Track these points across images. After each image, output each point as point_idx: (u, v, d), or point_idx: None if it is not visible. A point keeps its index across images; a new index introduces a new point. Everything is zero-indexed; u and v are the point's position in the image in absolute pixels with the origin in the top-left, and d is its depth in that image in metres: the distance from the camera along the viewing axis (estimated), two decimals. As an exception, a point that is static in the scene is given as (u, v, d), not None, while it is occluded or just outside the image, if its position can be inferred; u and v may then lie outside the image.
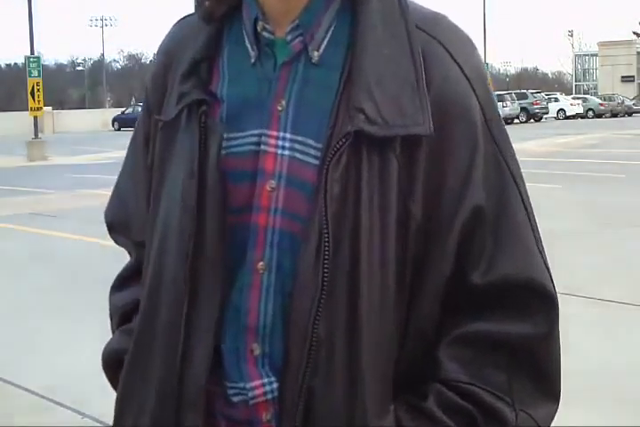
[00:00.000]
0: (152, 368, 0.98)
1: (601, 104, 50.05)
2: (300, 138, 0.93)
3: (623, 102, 51.57)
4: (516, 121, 43.10)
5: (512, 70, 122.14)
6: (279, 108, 0.94)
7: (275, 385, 0.92)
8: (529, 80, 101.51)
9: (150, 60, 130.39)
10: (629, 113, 50.57)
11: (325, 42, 0.95)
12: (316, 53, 0.95)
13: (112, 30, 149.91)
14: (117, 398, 1.03)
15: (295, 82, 0.95)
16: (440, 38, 0.95)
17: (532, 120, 44.41)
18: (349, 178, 0.89)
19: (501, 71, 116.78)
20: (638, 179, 13.53)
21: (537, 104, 44.97)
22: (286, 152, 0.93)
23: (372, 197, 0.89)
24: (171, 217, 0.97)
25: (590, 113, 48.89)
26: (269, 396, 0.92)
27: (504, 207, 0.95)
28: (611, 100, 51.06)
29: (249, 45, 0.98)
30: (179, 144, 0.98)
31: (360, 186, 0.89)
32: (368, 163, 0.89)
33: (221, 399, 0.96)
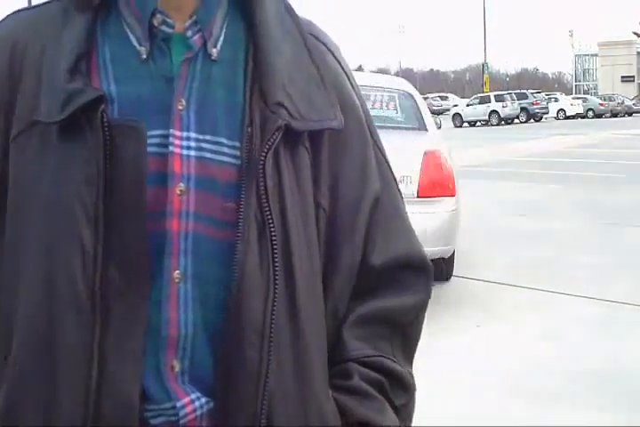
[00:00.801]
0: (55, 406, 0.86)
1: (601, 104, 50.06)
2: (208, 137, 0.90)
3: (623, 102, 51.57)
4: (515, 121, 43.11)
5: (512, 70, 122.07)
6: (180, 107, 0.90)
7: (203, 400, 0.89)
8: (529, 80, 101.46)
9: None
10: (629, 113, 50.56)
11: (221, 39, 0.94)
12: (214, 50, 0.93)
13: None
14: None
15: (195, 79, 0.92)
16: (324, 42, 1.02)
17: (531, 120, 44.40)
18: (276, 173, 0.90)
19: (501, 71, 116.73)
20: (638, 179, 13.52)
21: (537, 104, 44.96)
22: (192, 153, 0.89)
23: (293, 190, 0.91)
24: (59, 230, 0.86)
25: (590, 113, 48.89)
26: (198, 412, 0.89)
27: (390, 194, 1.04)
28: (611, 100, 51.06)
29: (135, 40, 0.92)
30: (64, 150, 0.87)
31: (283, 180, 0.90)
32: (286, 157, 0.91)
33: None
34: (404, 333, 1.03)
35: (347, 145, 0.99)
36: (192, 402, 0.89)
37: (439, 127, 6.84)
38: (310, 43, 0.99)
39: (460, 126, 41.44)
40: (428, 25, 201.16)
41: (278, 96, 0.91)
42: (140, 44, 0.91)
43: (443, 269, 6.27)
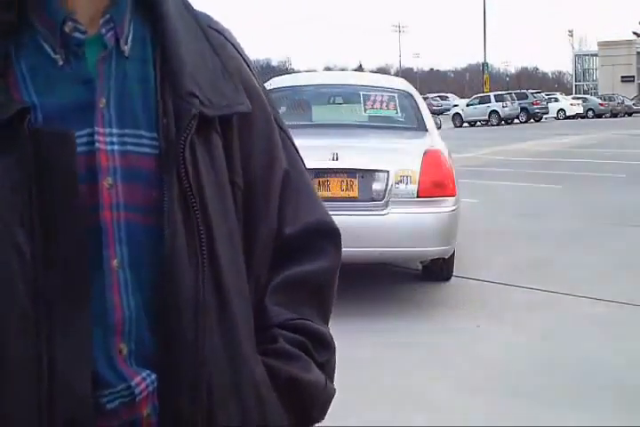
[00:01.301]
0: (7, 417, 0.88)
1: (601, 104, 50.06)
2: (128, 131, 0.96)
3: (623, 102, 51.57)
4: (515, 121, 43.12)
5: (512, 70, 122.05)
6: (101, 105, 0.95)
7: (153, 377, 0.95)
8: (529, 80, 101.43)
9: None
10: (629, 113, 50.56)
11: (130, 36, 1.00)
12: (126, 47, 0.98)
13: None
14: None
15: (112, 77, 0.97)
16: (222, 33, 1.09)
17: (532, 120, 44.40)
18: (193, 158, 0.97)
19: (501, 71, 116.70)
20: (638, 179, 13.52)
21: (537, 104, 44.96)
22: (116, 147, 0.95)
23: (209, 172, 0.98)
24: None
25: (590, 113, 48.89)
26: (150, 389, 0.95)
27: (297, 171, 1.13)
28: (611, 100, 51.06)
29: (49, 49, 0.96)
30: None
31: (199, 165, 0.97)
32: (200, 142, 0.98)
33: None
34: (320, 295, 1.15)
35: (253, 127, 1.07)
36: (143, 380, 0.94)
37: (439, 127, 6.83)
38: (210, 35, 1.06)
39: (460, 126, 41.44)
40: (428, 25, 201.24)
41: (189, 86, 0.98)
42: (55, 52, 0.95)
43: (443, 269, 6.27)
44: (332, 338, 1.14)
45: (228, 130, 1.03)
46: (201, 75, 1.00)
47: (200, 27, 1.05)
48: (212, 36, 1.06)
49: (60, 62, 0.95)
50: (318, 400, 1.14)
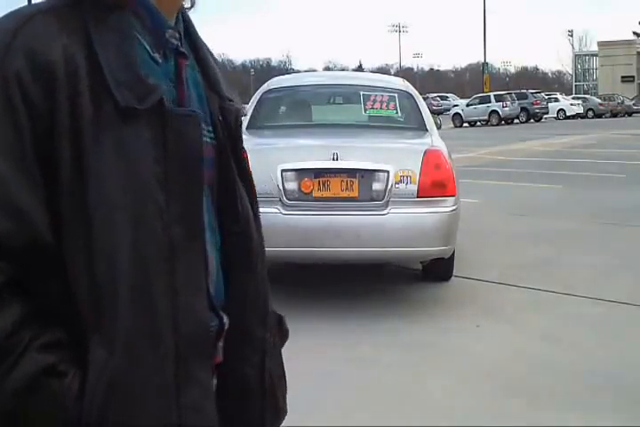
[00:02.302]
0: (159, 334, 1.08)
1: (601, 104, 50.04)
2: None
3: (623, 102, 51.55)
4: (515, 121, 43.09)
5: (512, 70, 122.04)
6: (186, 102, 1.17)
7: (226, 319, 1.21)
8: (529, 80, 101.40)
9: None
10: (629, 113, 50.54)
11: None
12: (188, 58, 1.21)
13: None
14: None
15: (189, 80, 1.19)
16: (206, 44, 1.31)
17: (531, 120, 44.38)
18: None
19: (501, 71, 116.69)
20: (638, 179, 13.52)
21: (537, 104, 44.93)
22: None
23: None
24: (141, 197, 1.07)
25: (590, 113, 48.87)
26: (226, 327, 1.21)
27: None
28: (611, 100, 51.04)
29: (149, 48, 1.13)
30: (134, 134, 1.07)
31: (246, 155, 1.28)
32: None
33: None
34: None
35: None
36: (225, 318, 1.20)
37: (439, 127, 6.82)
38: (208, 47, 1.29)
39: (460, 126, 41.44)
40: (428, 25, 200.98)
41: (226, 92, 1.24)
42: (154, 51, 1.14)
43: (443, 269, 6.27)
44: None
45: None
46: (223, 83, 1.25)
47: (204, 44, 1.27)
48: (212, 52, 1.28)
49: (159, 60, 1.14)
50: (287, 335, 1.43)
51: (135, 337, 1.05)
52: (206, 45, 1.27)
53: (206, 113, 1.20)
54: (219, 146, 1.21)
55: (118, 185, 1.05)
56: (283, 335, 1.39)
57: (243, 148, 1.27)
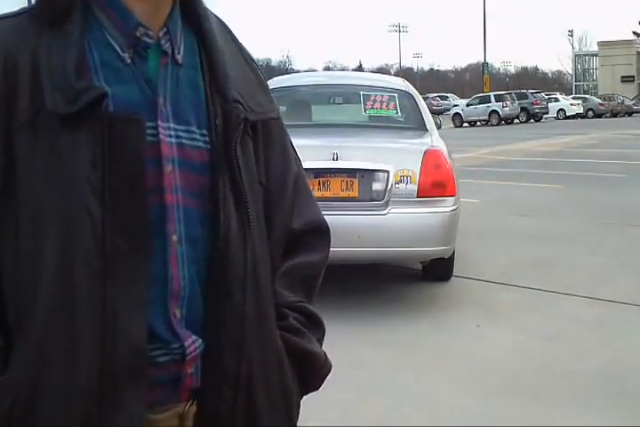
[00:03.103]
0: (77, 349, 1.02)
1: (601, 104, 50.03)
2: (181, 127, 1.11)
3: (623, 102, 51.54)
4: (515, 121, 43.09)
5: (512, 70, 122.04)
6: (160, 103, 1.10)
7: (199, 341, 1.11)
8: (529, 80, 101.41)
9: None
10: (629, 113, 50.54)
11: (182, 46, 1.15)
12: (179, 56, 1.14)
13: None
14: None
15: (168, 80, 1.12)
16: (242, 45, 1.26)
17: (531, 120, 44.38)
18: (239, 155, 1.15)
19: (501, 71, 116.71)
20: (638, 179, 13.52)
21: (537, 104, 44.93)
22: (173, 140, 1.10)
23: (247, 168, 1.16)
24: (72, 204, 1.02)
25: (590, 113, 48.87)
26: (198, 351, 1.11)
27: (302, 174, 1.32)
28: (611, 100, 51.03)
29: (118, 48, 1.10)
30: (70, 138, 1.03)
31: (239, 161, 1.14)
32: (240, 143, 1.16)
33: None
34: (312, 282, 1.33)
35: (271, 133, 1.24)
36: (193, 342, 1.10)
37: (439, 127, 6.82)
38: (243, 49, 1.23)
39: (460, 126, 41.43)
40: (428, 25, 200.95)
41: (234, 94, 1.15)
42: (123, 51, 1.09)
43: (443, 269, 6.27)
44: (321, 319, 1.32)
45: (256, 134, 1.19)
46: (240, 85, 1.17)
47: (234, 41, 1.22)
48: (244, 50, 1.23)
49: (128, 60, 1.09)
50: (321, 371, 1.29)
51: (50, 349, 1.02)
52: (235, 42, 1.22)
53: (201, 116, 1.14)
54: (212, 151, 1.14)
55: (49, 188, 1.02)
56: (314, 373, 1.28)
57: (236, 153, 1.14)
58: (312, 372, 1.27)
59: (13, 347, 1.04)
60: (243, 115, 1.15)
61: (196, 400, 1.13)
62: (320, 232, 1.31)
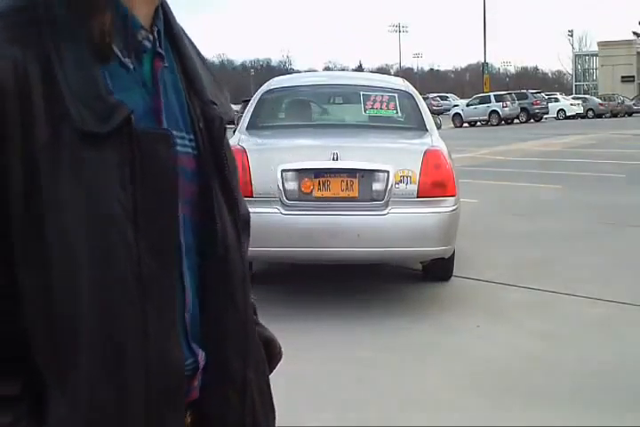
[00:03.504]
0: (123, 383, 0.96)
1: (601, 104, 50.04)
2: (178, 133, 1.06)
3: (623, 102, 51.55)
4: (515, 121, 43.09)
5: (512, 70, 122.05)
6: (162, 110, 1.05)
7: (203, 353, 1.07)
8: (529, 80, 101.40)
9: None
10: (629, 113, 50.55)
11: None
12: (165, 59, 1.09)
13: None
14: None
15: (162, 84, 1.07)
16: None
17: (532, 120, 44.38)
18: (228, 158, 1.14)
19: (501, 71, 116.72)
20: (638, 179, 13.53)
21: (537, 104, 44.94)
22: (178, 148, 1.04)
23: (235, 172, 1.16)
24: (104, 228, 0.95)
25: (590, 113, 48.87)
26: (202, 364, 1.07)
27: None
28: (611, 100, 51.03)
29: (119, 53, 1.01)
30: (98, 157, 0.95)
31: (229, 166, 1.13)
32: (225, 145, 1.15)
33: None
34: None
35: (226, 131, 1.21)
36: (201, 354, 1.07)
37: (439, 127, 6.82)
38: (197, 48, 1.18)
39: (460, 126, 41.44)
40: (428, 25, 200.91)
41: (209, 95, 1.12)
42: (124, 56, 1.02)
43: (443, 269, 6.27)
44: None
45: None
46: (208, 86, 1.13)
47: (191, 42, 1.16)
48: (199, 50, 1.18)
49: (131, 66, 1.02)
50: (278, 358, 1.30)
51: (100, 391, 0.94)
52: (192, 43, 1.16)
53: (186, 120, 1.09)
54: (200, 156, 1.09)
55: (79, 215, 0.94)
56: (271, 361, 1.26)
57: (226, 156, 1.12)
58: (273, 360, 1.28)
59: (49, 392, 0.94)
60: (224, 117, 1.12)
61: (190, 411, 1.09)
62: (249, 225, 1.29)
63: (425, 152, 5.63)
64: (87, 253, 0.94)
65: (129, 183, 0.96)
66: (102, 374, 0.94)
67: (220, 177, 1.10)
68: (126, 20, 1.02)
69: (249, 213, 1.28)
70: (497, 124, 41.36)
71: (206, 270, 1.08)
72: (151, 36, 1.05)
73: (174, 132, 1.04)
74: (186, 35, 1.15)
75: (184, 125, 1.08)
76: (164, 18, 1.10)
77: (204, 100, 1.10)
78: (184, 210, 1.05)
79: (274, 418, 1.22)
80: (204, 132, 1.09)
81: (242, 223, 1.17)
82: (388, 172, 5.48)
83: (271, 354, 1.27)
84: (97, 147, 0.94)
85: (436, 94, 64.09)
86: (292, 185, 5.49)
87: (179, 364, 1.01)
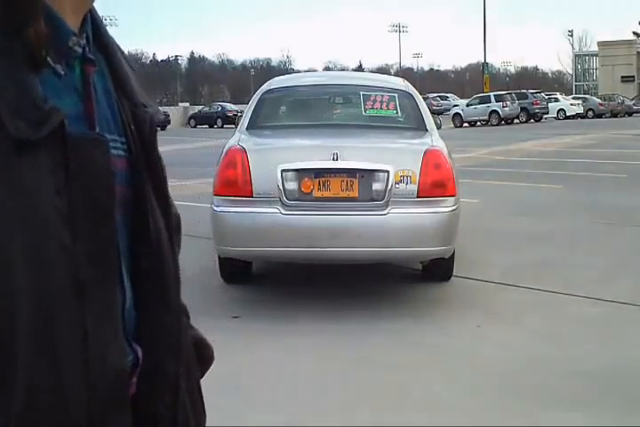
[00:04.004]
0: (62, 385, 0.96)
1: (601, 104, 50.07)
2: (110, 136, 1.06)
3: (623, 102, 51.58)
4: (515, 121, 43.09)
5: (512, 70, 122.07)
6: (94, 113, 1.05)
7: (140, 351, 1.09)
8: (529, 80, 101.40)
9: (150, 60, 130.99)
10: (629, 113, 50.57)
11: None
12: (95, 64, 1.09)
13: (112, 30, 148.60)
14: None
15: (93, 88, 1.07)
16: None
17: (531, 120, 44.38)
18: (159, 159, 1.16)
19: (501, 71, 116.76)
20: (638, 179, 13.53)
21: (537, 104, 44.94)
22: (112, 151, 1.05)
23: (166, 174, 1.17)
24: (41, 235, 0.95)
25: (590, 113, 48.89)
26: (141, 360, 1.09)
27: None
28: (611, 100, 51.06)
29: (50, 60, 1.00)
30: (31, 164, 0.94)
31: (163, 169, 1.16)
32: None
33: None
34: None
35: None
36: (139, 351, 1.09)
37: (439, 127, 6.82)
38: (122, 50, 1.18)
39: (460, 126, 41.44)
40: (428, 25, 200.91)
41: (139, 98, 1.13)
42: (55, 62, 1.01)
43: (443, 269, 6.27)
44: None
45: None
46: (137, 88, 1.14)
47: (119, 48, 1.17)
48: (123, 51, 1.18)
49: (62, 72, 1.02)
50: (211, 360, 1.31)
51: (38, 394, 0.94)
52: (118, 46, 1.16)
53: (117, 123, 1.09)
54: (132, 159, 1.09)
55: (14, 222, 0.92)
56: (204, 363, 1.28)
57: (160, 158, 1.14)
58: (204, 363, 1.28)
59: None
60: (153, 118, 1.13)
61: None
62: (180, 227, 1.30)
63: (425, 152, 5.63)
64: (23, 259, 0.93)
65: (64, 188, 0.96)
66: (39, 379, 0.94)
67: (152, 179, 1.12)
68: (58, 27, 1.02)
69: (179, 216, 1.29)
70: (497, 124, 41.36)
71: (140, 270, 1.10)
72: (81, 42, 1.05)
73: (107, 136, 1.05)
74: (110, 37, 1.15)
75: (116, 128, 1.09)
76: (92, 22, 1.10)
77: (134, 103, 1.12)
78: (118, 211, 1.05)
79: (204, 421, 1.22)
80: (135, 134, 1.10)
81: (174, 225, 1.19)
82: (388, 172, 5.48)
83: (204, 356, 1.28)
84: (31, 154, 0.94)
85: (436, 94, 64.10)
86: (291, 185, 5.49)
87: (121, 365, 1.01)
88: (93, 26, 1.11)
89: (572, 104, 49.90)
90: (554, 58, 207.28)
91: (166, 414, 1.12)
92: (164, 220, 1.13)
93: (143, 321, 1.10)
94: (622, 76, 76.81)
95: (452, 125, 40.37)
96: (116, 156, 1.06)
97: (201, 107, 58.55)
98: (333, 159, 5.51)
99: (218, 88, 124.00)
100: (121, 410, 1.02)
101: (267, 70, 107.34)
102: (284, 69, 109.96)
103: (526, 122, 43.55)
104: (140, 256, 1.10)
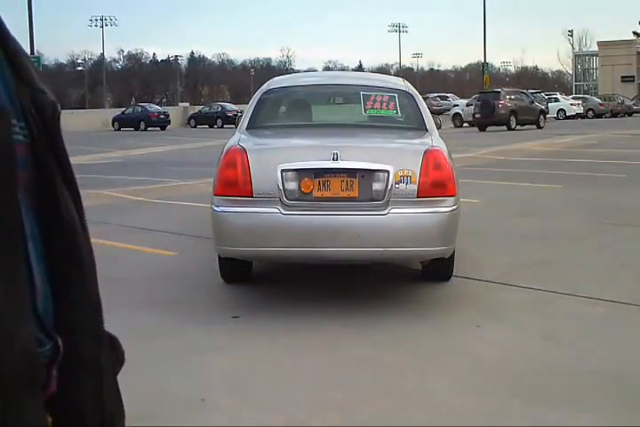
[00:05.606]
0: None
1: (601, 104, 50.10)
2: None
3: (623, 102, 51.61)
4: (516, 121, 43.06)
5: (512, 70, 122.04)
6: None
7: (60, 340, 1.06)
8: (529, 80, 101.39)
9: (150, 60, 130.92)
10: (629, 113, 50.60)
11: None
12: None
13: (112, 30, 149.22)
14: None
15: None
16: None
17: (532, 120, 44.36)
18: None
19: (501, 71, 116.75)
20: (638, 179, 13.52)
21: (537, 104, 44.92)
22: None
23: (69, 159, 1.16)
24: None
25: (590, 113, 48.90)
26: (61, 348, 1.06)
27: None
28: (611, 100, 51.09)
29: None
30: None
31: (65, 153, 1.13)
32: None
33: None
34: None
35: None
36: (59, 340, 1.06)
37: (439, 127, 6.82)
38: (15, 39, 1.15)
39: (460, 126, 41.41)
40: (428, 25, 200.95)
41: (38, 84, 1.11)
42: None
43: (443, 269, 6.27)
44: None
45: None
46: (36, 76, 1.12)
47: (9, 32, 1.14)
48: (16, 40, 1.16)
49: None
50: (123, 360, 1.28)
51: None
52: (13, 37, 1.13)
53: (17, 108, 1.07)
54: (33, 144, 1.08)
55: None
56: (117, 360, 1.25)
57: (63, 147, 1.12)
58: (115, 363, 1.25)
59: None
60: (57, 104, 1.11)
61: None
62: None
63: (425, 152, 5.63)
64: None
65: None
66: None
67: (59, 164, 1.10)
68: None
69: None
70: (497, 124, 41.33)
71: (56, 258, 1.08)
72: None
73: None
74: (4, 25, 1.14)
75: (14, 113, 1.06)
76: None
77: (33, 88, 1.09)
78: (24, 196, 1.04)
79: (123, 417, 1.20)
80: (36, 119, 1.08)
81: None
82: (388, 172, 5.48)
83: (117, 354, 1.25)
84: None
85: (436, 94, 64.06)
86: (291, 185, 5.49)
87: (32, 347, 0.99)
88: None
89: (572, 104, 49.90)
90: (554, 58, 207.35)
91: (90, 403, 1.11)
92: (75, 207, 1.11)
93: (63, 308, 1.08)
94: (622, 76, 76.83)
95: (452, 125, 40.34)
96: (15, 141, 1.04)
97: (201, 107, 58.50)
98: (333, 159, 5.51)
99: (218, 88, 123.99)
100: (37, 392, 0.99)
101: (267, 70, 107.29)
102: (284, 69, 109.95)
103: (526, 122, 43.52)
104: (52, 242, 1.08)
